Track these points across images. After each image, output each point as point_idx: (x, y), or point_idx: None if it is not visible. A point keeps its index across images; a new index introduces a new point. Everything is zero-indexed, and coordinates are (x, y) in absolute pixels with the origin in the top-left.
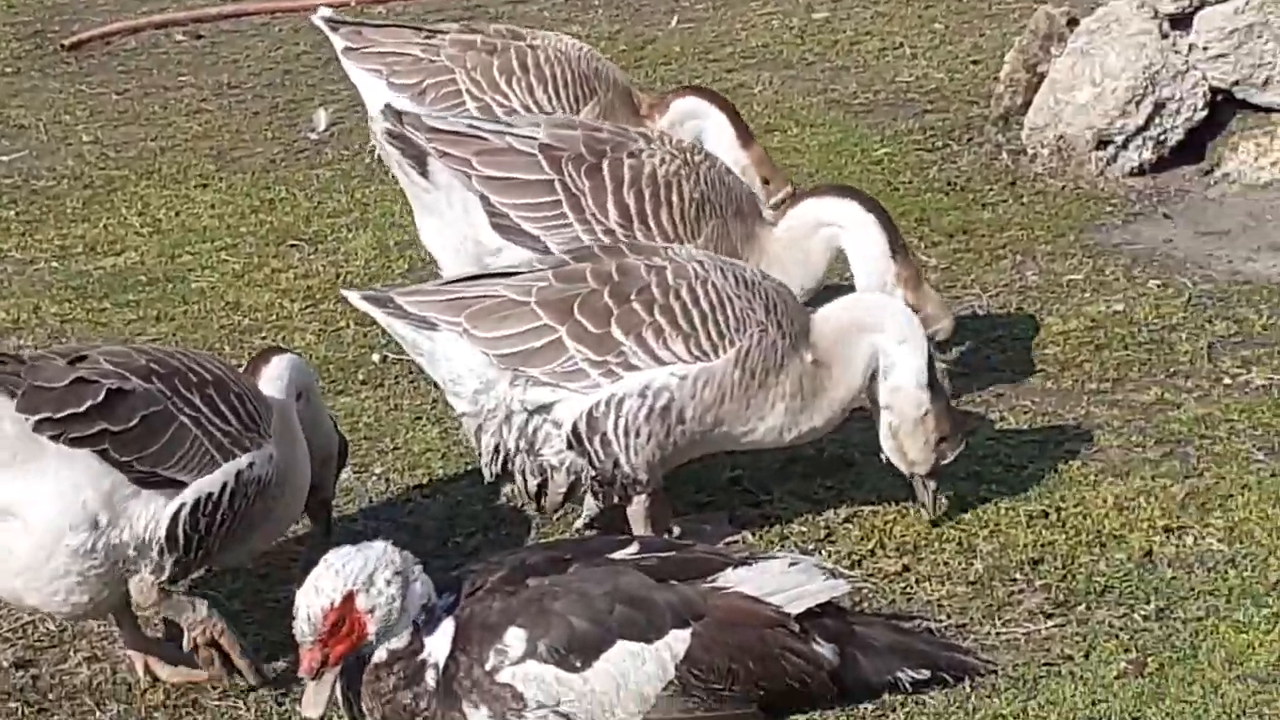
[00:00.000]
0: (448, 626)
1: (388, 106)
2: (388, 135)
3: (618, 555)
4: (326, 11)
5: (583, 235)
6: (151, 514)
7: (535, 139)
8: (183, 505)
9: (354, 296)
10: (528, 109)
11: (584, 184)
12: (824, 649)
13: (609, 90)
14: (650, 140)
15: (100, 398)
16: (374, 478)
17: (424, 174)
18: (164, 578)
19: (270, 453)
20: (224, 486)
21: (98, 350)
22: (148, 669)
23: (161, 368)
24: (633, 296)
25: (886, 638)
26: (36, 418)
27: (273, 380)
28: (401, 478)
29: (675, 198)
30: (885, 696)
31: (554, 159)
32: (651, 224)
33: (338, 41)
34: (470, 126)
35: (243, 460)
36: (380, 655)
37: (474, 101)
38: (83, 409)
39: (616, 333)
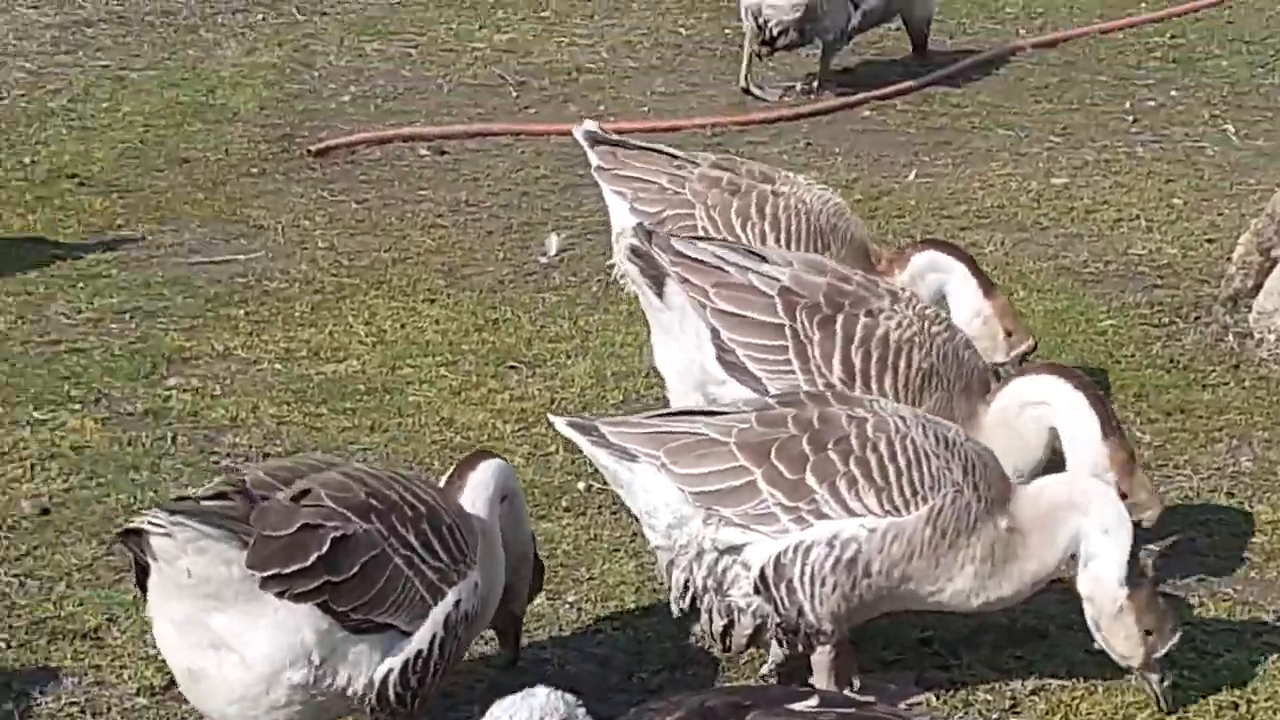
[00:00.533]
0: None
1: (640, 225)
2: (631, 251)
3: (797, 707)
4: (591, 125)
5: (804, 385)
6: (366, 663)
7: (779, 280)
8: (390, 671)
9: (560, 422)
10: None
11: (814, 334)
12: None
13: (843, 247)
14: (897, 300)
15: (325, 548)
16: (566, 605)
17: (660, 294)
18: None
19: (475, 581)
20: (433, 639)
21: (318, 480)
22: None
23: (380, 502)
24: (830, 446)
25: None
26: (265, 574)
27: (479, 486)
28: (594, 608)
29: (903, 364)
30: None
31: (790, 304)
32: (874, 386)
33: (593, 158)
34: (716, 256)
35: (449, 600)
36: None
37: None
38: (309, 563)
39: (810, 480)
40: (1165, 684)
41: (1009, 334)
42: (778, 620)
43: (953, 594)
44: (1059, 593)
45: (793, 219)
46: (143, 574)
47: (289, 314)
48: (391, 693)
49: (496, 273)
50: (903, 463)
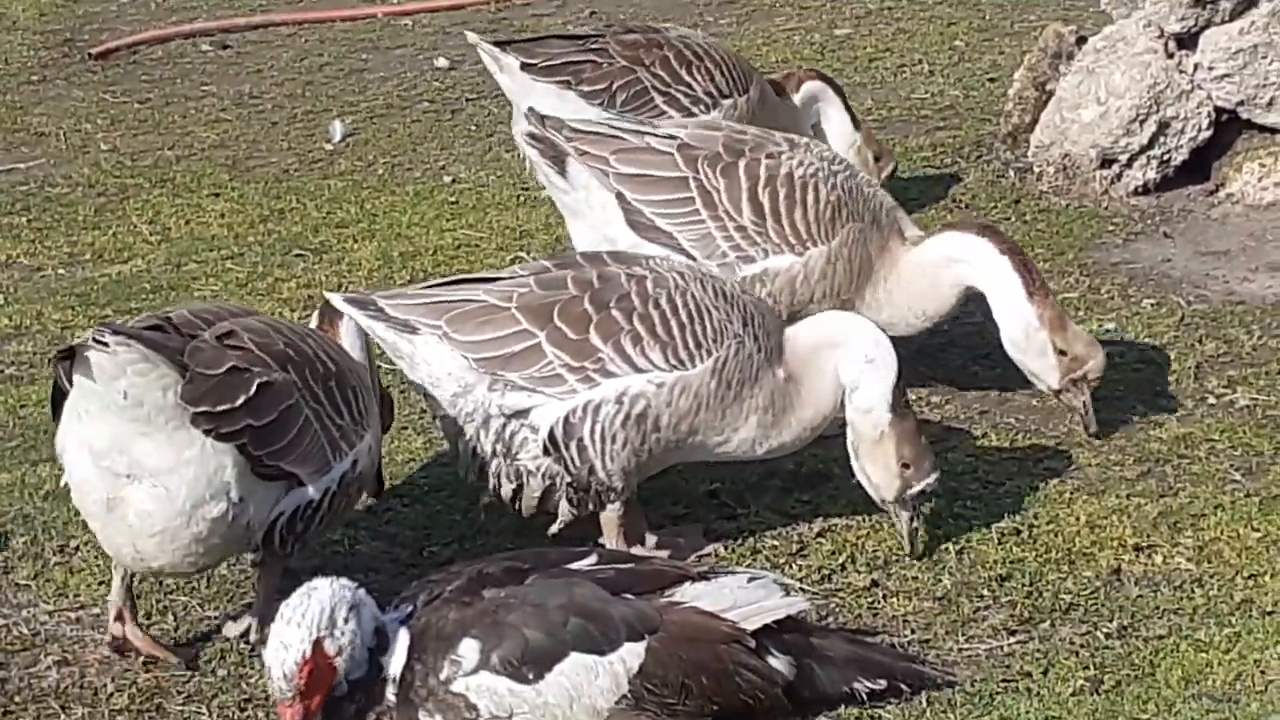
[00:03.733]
0: (403, 637)
1: (531, 110)
2: (529, 137)
3: (575, 566)
4: (473, 37)
5: (715, 232)
6: (269, 506)
7: (676, 138)
8: (282, 514)
9: (336, 299)
10: (710, 95)
11: (719, 182)
12: (779, 663)
13: (754, 72)
14: (795, 145)
15: (252, 392)
16: None
17: (562, 174)
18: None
19: (370, 443)
20: (326, 491)
21: (240, 324)
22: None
23: (296, 354)
24: (612, 304)
25: (843, 650)
26: (196, 410)
27: (353, 334)
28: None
29: (810, 198)
30: (841, 710)
31: (690, 158)
32: (785, 222)
33: (510, 60)
34: (611, 127)
35: (348, 460)
36: (342, 689)
37: (660, 95)
38: (237, 404)
39: (595, 339)
40: (914, 525)
41: (878, 158)
42: (568, 480)
43: (739, 443)
44: (843, 434)
45: (718, 53)
46: (58, 401)
47: (72, 218)
48: (278, 535)
49: (281, 163)
50: (685, 317)
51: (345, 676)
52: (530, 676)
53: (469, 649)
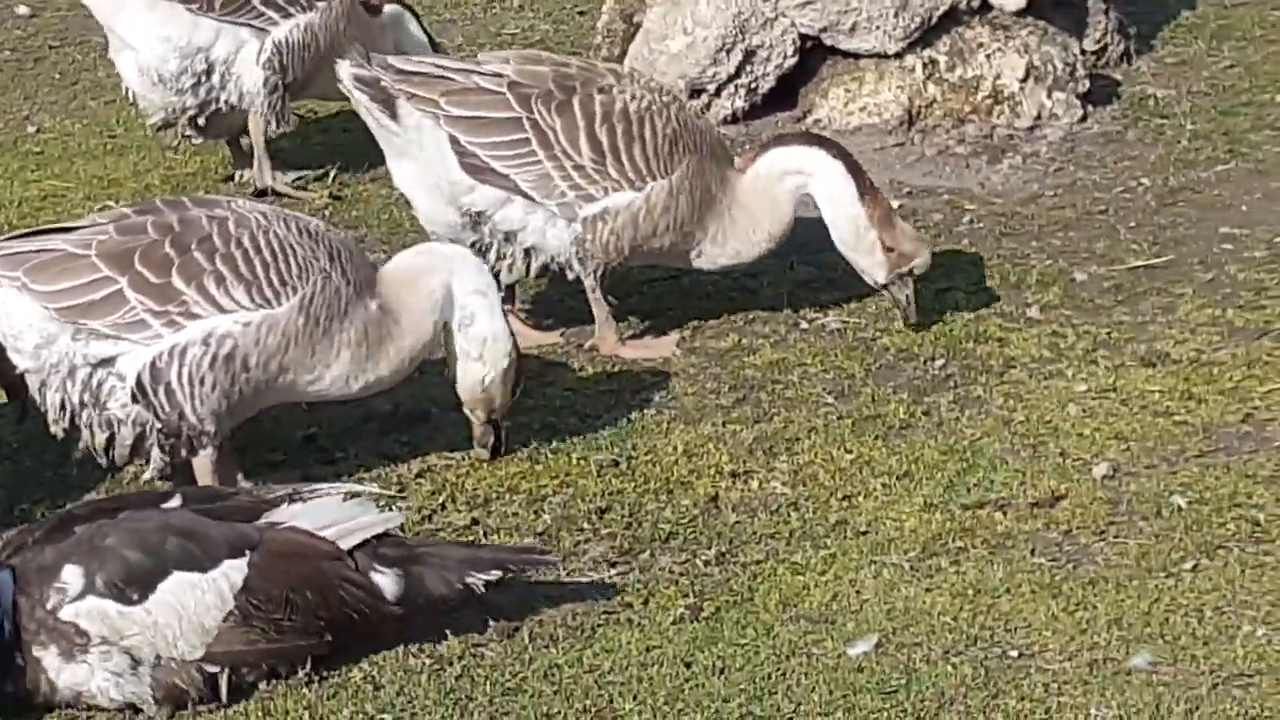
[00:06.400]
0: (4, 580)
1: (356, 50)
2: (356, 80)
3: (165, 506)
4: None
5: (553, 172)
6: None
7: (504, 76)
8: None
9: None
10: None
11: (554, 121)
12: (384, 578)
13: None
14: (620, 77)
15: None
16: None
17: (393, 117)
18: None
19: None
20: None
21: None
22: None
23: None
24: (194, 246)
25: (453, 553)
26: None
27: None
28: None
29: (648, 133)
30: (443, 650)
31: (523, 97)
32: (624, 159)
33: None
34: (437, 66)
35: None
36: None
37: None
38: None
39: (178, 282)
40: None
41: None
42: (159, 426)
43: (332, 380)
44: (440, 374)
45: None
46: None
47: None
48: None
49: None
50: (269, 255)
51: None
52: (135, 597)
53: (72, 575)
